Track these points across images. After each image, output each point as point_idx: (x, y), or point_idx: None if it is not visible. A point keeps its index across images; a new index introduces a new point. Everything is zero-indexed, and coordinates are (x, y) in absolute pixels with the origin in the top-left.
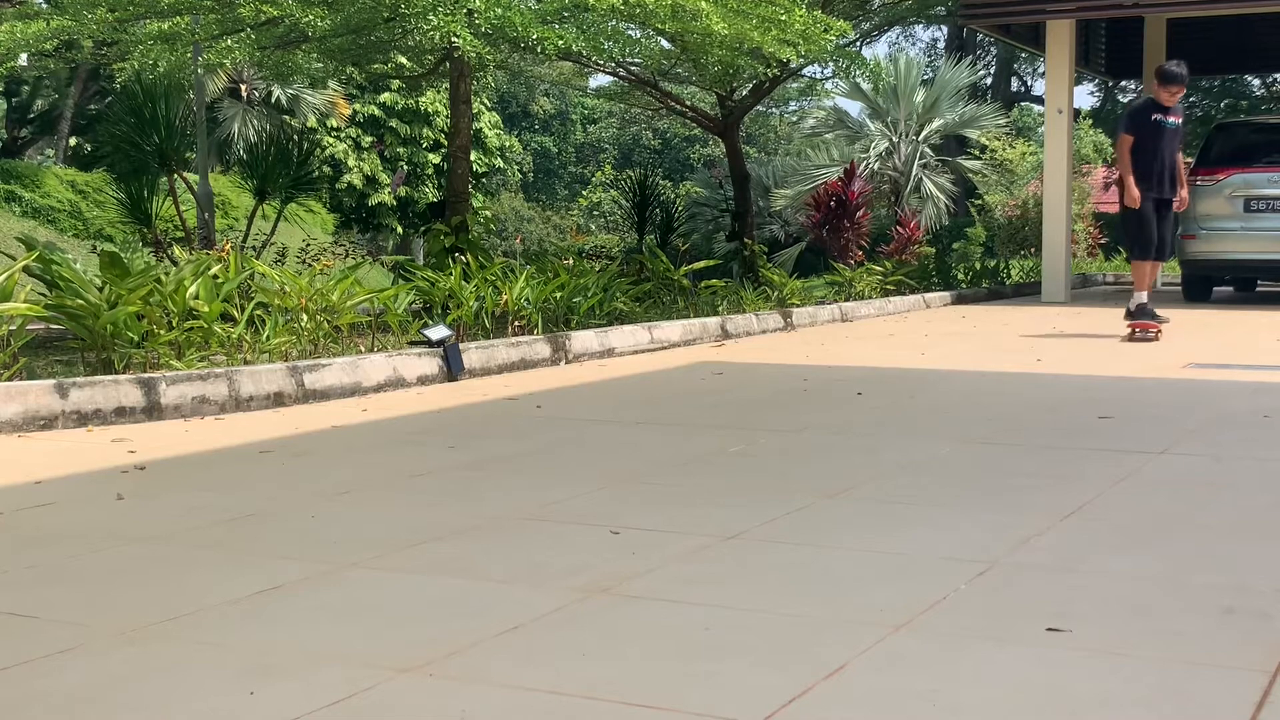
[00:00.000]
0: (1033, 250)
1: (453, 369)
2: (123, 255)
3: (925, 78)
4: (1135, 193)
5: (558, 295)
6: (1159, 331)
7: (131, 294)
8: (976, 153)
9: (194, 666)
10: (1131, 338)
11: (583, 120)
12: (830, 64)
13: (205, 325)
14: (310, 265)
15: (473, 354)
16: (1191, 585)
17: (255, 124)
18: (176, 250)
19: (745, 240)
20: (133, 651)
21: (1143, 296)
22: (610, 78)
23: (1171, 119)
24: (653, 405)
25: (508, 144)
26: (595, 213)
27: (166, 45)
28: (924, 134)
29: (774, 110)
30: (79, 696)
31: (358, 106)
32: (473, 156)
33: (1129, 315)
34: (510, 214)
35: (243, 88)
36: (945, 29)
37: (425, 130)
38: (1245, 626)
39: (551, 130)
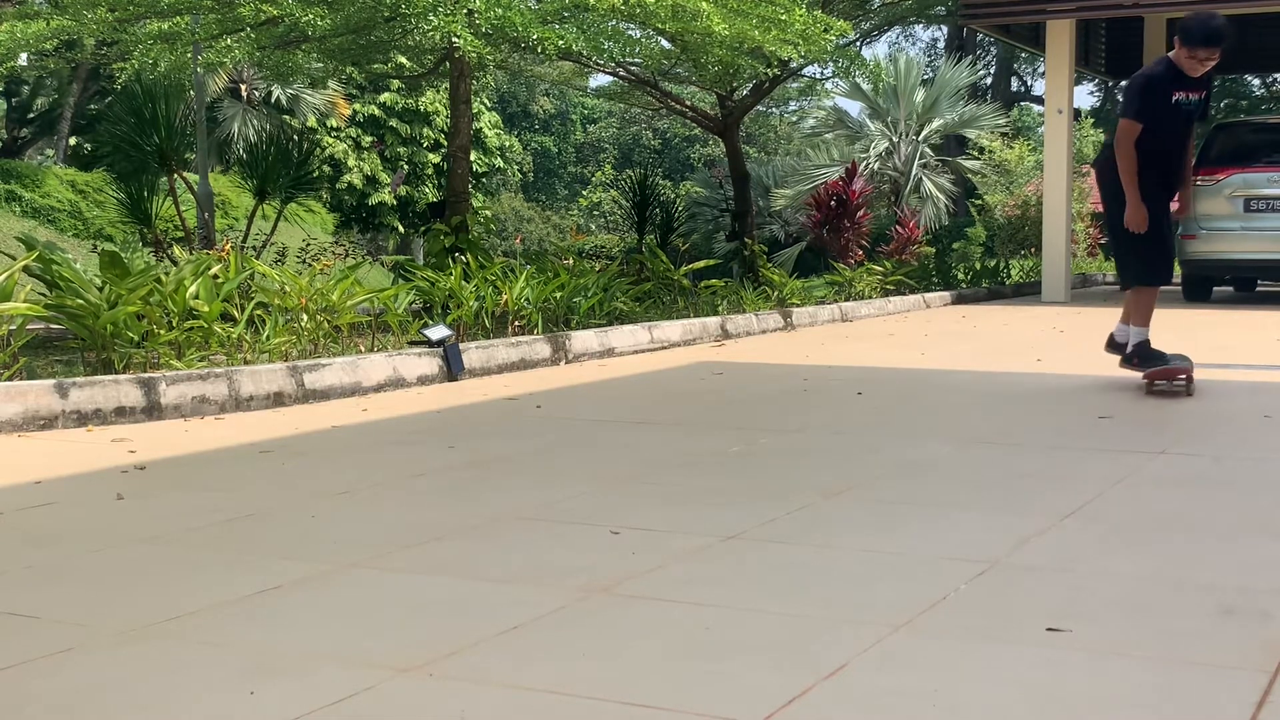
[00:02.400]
0: (1033, 250)
1: (453, 369)
2: (123, 255)
3: (925, 78)
4: (1145, 212)
5: (558, 295)
6: (1189, 377)
7: (131, 294)
8: (976, 153)
9: (194, 666)
10: (1151, 389)
11: (583, 120)
12: (830, 64)
13: (205, 325)
14: (310, 265)
15: (473, 354)
16: (1191, 585)
17: (255, 124)
18: (176, 250)
19: (745, 240)
20: (133, 651)
21: (1145, 333)
22: (610, 78)
23: (1194, 96)
24: (653, 405)
25: (508, 144)
26: (595, 213)
27: (166, 45)
28: (924, 134)
29: (774, 110)
30: (79, 696)
31: (358, 106)
32: (473, 156)
33: (1131, 360)
34: (510, 214)
35: (243, 88)
36: (945, 29)
37: (425, 130)
38: (1245, 626)
39: (551, 130)
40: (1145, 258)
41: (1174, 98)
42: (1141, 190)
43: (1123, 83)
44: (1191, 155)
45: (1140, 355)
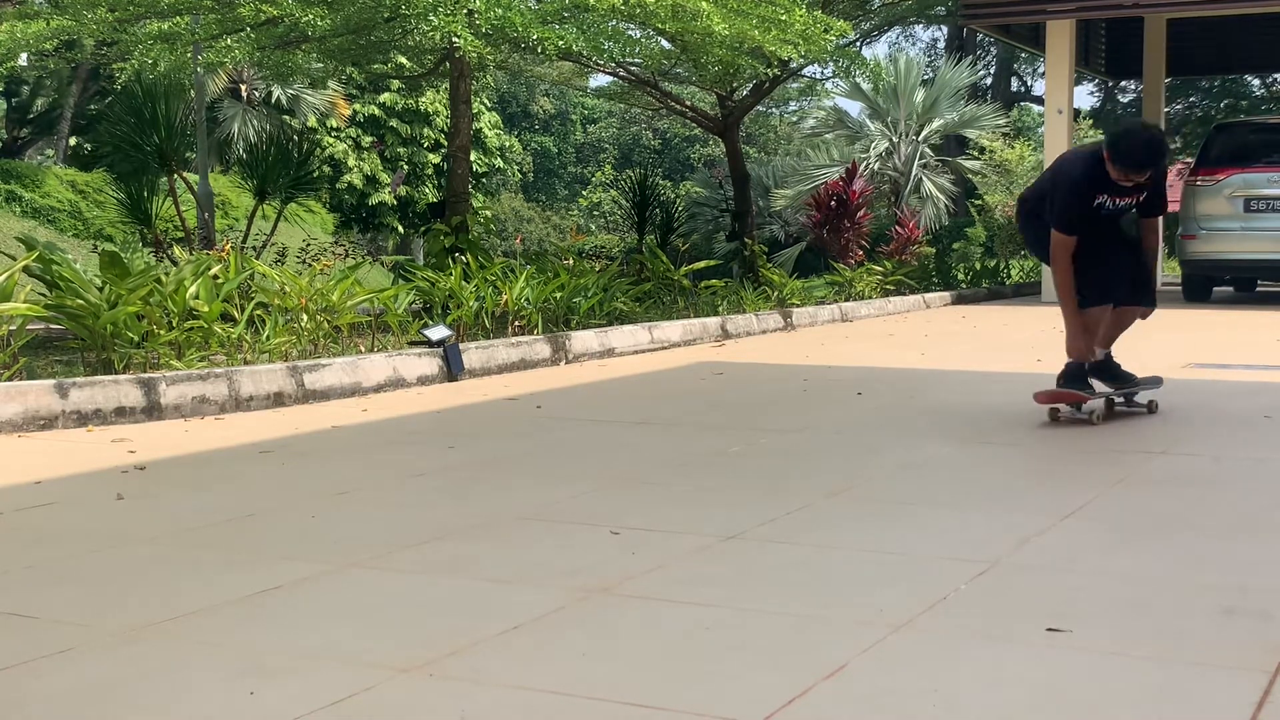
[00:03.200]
0: None
1: (453, 369)
2: (123, 255)
3: (925, 78)
4: (1085, 342)
5: (558, 295)
6: (1081, 402)
7: (131, 294)
8: (976, 153)
9: (194, 666)
10: (1052, 416)
11: (583, 120)
12: (830, 64)
13: (205, 325)
14: (310, 265)
15: (473, 354)
16: (1191, 585)
17: (255, 124)
18: (176, 250)
19: (745, 240)
20: (133, 651)
21: (1094, 355)
22: (610, 78)
23: (1123, 202)
24: (653, 405)
25: (508, 144)
26: (595, 213)
27: (166, 45)
28: (924, 134)
29: (774, 110)
30: (79, 696)
31: (358, 106)
32: (473, 156)
33: (1059, 381)
34: (510, 214)
35: (243, 88)
36: (945, 29)
37: (425, 130)
38: (1245, 626)
39: (551, 130)
40: (1081, 281)
41: (1096, 200)
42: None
43: (1122, 83)
44: (1154, 238)
45: (1065, 376)
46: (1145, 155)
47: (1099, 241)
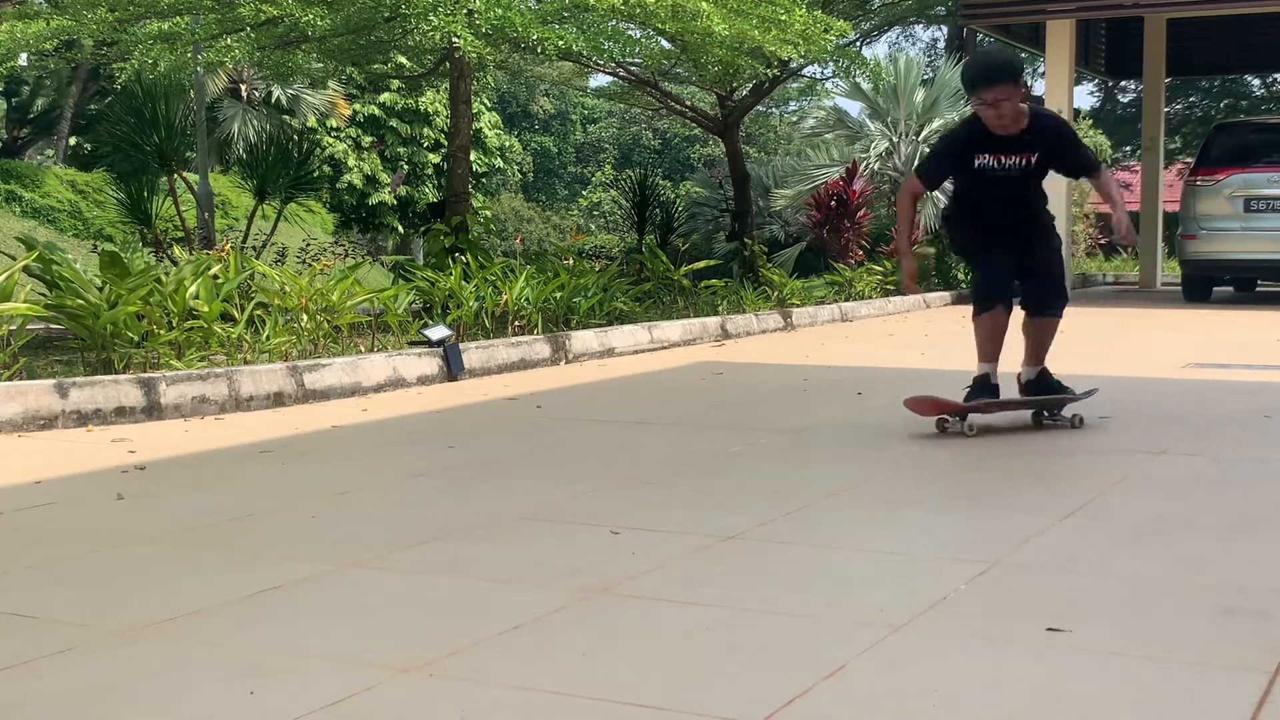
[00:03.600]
0: None
1: (453, 369)
2: (123, 255)
3: (925, 78)
4: (910, 274)
5: (558, 295)
6: (966, 416)
7: (131, 294)
8: None
9: (194, 666)
10: (942, 428)
11: (583, 120)
12: (830, 64)
13: (205, 325)
14: (310, 265)
15: (473, 354)
16: (1191, 585)
17: (255, 124)
18: (176, 250)
19: (745, 240)
20: (133, 651)
21: (984, 367)
22: (610, 78)
23: (1010, 160)
24: (653, 405)
25: (508, 144)
26: (595, 213)
27: (166, 45)
28: (924, 134)
29: (774, 110)
30: (79, 696)
31: (358, 106)
32: (473, 156)
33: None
34: (510, 214)
35: (243, 88)
36: (945, 29)
37: (425, 130)
38: (1245, 626)
39: (551, 130)
40: (975, 283)
41: (976, 162)
42: (964, 230)
43: (1122, 83)
44: (1108, 189)
45: (971, 387)
46: (978, 69)
47: (992, 227)
